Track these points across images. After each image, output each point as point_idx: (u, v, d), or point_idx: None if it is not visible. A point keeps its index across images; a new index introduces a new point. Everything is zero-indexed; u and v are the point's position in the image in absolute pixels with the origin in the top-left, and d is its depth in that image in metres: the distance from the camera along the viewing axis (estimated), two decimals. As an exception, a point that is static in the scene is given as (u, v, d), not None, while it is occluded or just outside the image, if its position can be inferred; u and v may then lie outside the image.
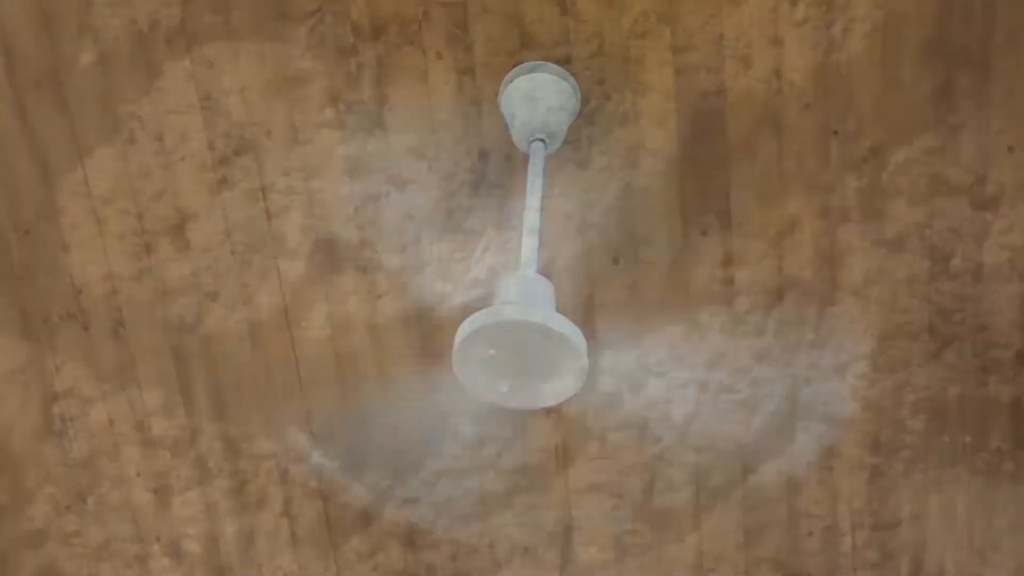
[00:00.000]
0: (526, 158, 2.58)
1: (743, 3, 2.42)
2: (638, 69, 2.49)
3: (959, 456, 2.87)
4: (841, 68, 2.47)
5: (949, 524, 2.93)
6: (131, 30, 2.53)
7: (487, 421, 2.88)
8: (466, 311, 2.75)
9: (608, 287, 2.71)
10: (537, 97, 2.43)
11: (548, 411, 2.86)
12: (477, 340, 2.05)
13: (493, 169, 2.61)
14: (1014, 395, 2.78)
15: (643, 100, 2.52)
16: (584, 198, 2.62)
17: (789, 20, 2.44)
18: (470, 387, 2.12)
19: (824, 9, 2.42)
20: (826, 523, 2.95)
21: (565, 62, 2.49)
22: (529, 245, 2.22)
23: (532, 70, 2.46)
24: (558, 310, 2.74)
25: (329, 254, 2.71)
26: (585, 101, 2.51)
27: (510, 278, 2.17)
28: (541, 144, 2.38)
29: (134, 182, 2.67)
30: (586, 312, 2.74)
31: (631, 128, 2.54)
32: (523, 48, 2.48)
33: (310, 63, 2.53)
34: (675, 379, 2.80)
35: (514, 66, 2.49)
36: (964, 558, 2.96)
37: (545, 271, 2.70)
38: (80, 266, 2.75)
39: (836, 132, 2.52)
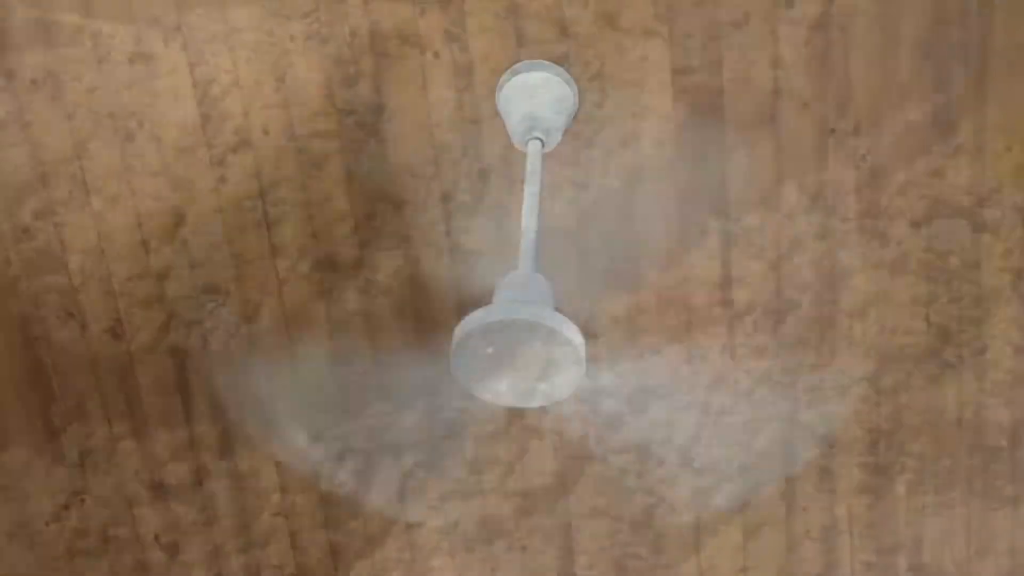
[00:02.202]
0: (523, 157, 2.59)
1: (741, 2, 2.43)
2: (636, 67, 2.49)
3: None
4: (839, 67, 2.47)
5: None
6: (128, 29, 2.53)
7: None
8: (464, 310, 2.75)
9: (605, 287, 2.71)
10: (535, 96, 2.43)
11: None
12: (475, 338, 2.05)
13: (491, 168, 2.61)
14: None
15: (641, 98, 2.52)
16: (581, 196, 2.62)
17: (787, 19, 2.44)
18: (468, 385, 2.12)
19: (821, 8, 2.42)
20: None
21: (562, 61, 2.49)
22: (527, 243, 2.22)
23: (529, 69, 2.46)
24: (556, 308, 2.74)
25: (328, 254, 2.72)
26: (582, 100, 2.52)
27: (508, 276, 2.17)
28: (539, 142, 2.38)
29: (132, 181, 2.67)
30: (584, 312, 2.74)
31: (629, 126, 2.55)
32: (520, 47, 2.48)
33: (308, 62, 2.54)
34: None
35: (511, 65, 2.50)
36: None
37: (543, 269, 2.70)
38: (78, 265, 2.76)
39: (834, 131, 2.52)
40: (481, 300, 2.74)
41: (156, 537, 3.06)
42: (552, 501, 2.96)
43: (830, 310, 2.69)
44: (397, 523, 3.02)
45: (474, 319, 2.03)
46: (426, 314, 2.77)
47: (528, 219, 2.24)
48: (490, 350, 2.06)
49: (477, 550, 3.04)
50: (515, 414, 2.88)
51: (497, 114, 2.55)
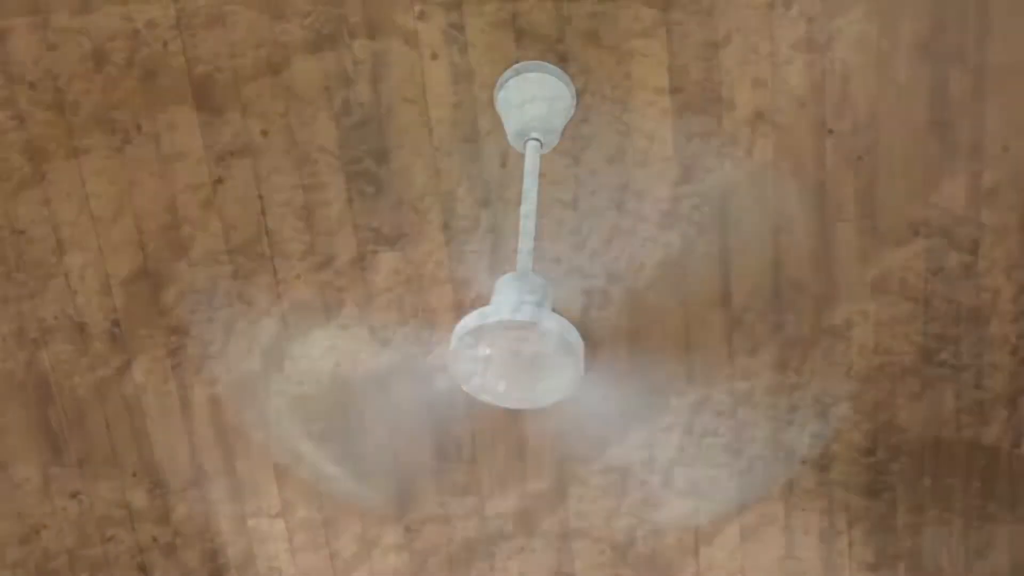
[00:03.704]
0: (522, 157, 2.59)
1: (738, 3, 2.43)
2: (634, 68, 2.49)
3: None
4: (836, 67, 2.47)
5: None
6: (127, 30, 2.53)
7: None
8: (462, 311, 2.75)
9: (603, 286, 2.71)
10: (533, 97, 2.44)
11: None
12: (474, 340, 2.05)
13: (488, 169, 2.61)
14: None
15: (638, 99, 2.52)
16: (579, 197, 2.63)
17: (785, 20, 2.44)
18: (467, 387, 2.12)
19: (819, 9, 2.42)
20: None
21: (560, 62, 2.49)
22: (525, 244, 2.22)
23: (528, 70, 2.46)
24: (554, 310, 2.74)
25: (325, 252, 2.72)
26: (580, 101, 2.52)
27: (507, 278, 2.17)
28: (536, 144, 2.39)
29: (130, 183, 2.67)
30: (581, 312, 2.74)
31: (626, 127, 2.55)
32: (519, 48, 2.48)
33: (306, 63, 2.54)
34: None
35: (510, 66, 2.50)
36: None
37: (541, 270, 2.70)
38: (76, 267, 2.75)
39: (831, 131, 2.52)
40: (479, 301, 2.74)
41: (154, 539, 3.06)
42: (551, 504, 2.96)
43: (834, 308, 2.69)
44: (394, 523, 3.02)
45: (472, 320, 2.03)
46: (424, 314, 2.77)
47: (526, 219, 2.24)
48: (488, 351, 2.06)
49: (475, 562, 3.04)
50: (510, 424, 2.88)
51: (496, 115, 2.55)
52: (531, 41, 2.48)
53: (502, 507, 2.97)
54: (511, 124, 2.43)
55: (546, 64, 2.47)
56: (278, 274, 2.74)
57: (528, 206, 2.26)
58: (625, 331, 2.73)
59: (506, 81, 2.47)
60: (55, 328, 2.82)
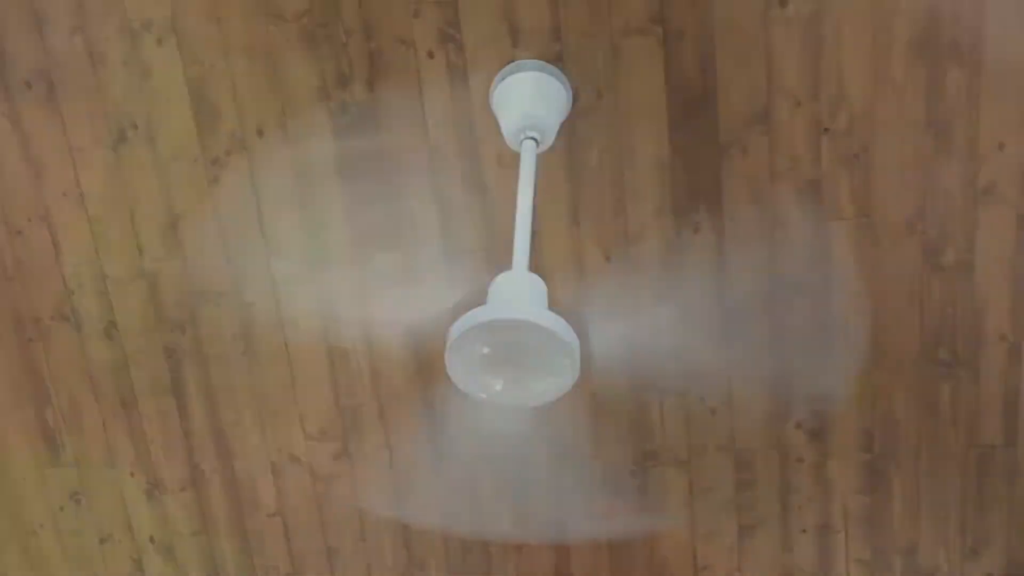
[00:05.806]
0: (518, 156, 2.59)
1: (735, 1, 2.43)
2: (629, 67, 2.49)
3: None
4: (832, 66, 2.47)
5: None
6: (123, 29, 2.53)
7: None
8: (459, 310, 2.75)
9: (601, 285, 2.71)
10: (528, 95, 2.43)
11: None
12: (470, 339, 2.04)
13: (485, 168, 2.61)
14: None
15: (634, 98, 2.52)
16: (576, 196, 2.62)
17: (780, 18, 2.44)
18: (463, 386, 2.12)
19: (815, 7, 2.42)
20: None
21: (556, 60, 2.49)
22: (521, 243, 2.21)
23: (523, 69, 2.46)
24: (550, 308, 2.74)
25: (321, 251, 2.71)
26: (576, 99, 2.52)
27: (503, 276, 2.17)
28: (532, 142, 2.38)
29: (126, 182, 2.67)
30: (578, 311, 2.74)
31: (622, 126, 2.55)
32: (515, 47, 2.48)
33: (302, 62, 2.53)
34: (665, 387, 2.80)
35: (505, 65, 2.50)
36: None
37: (537, 269, 2.70)
38: (72, 267, 2.75)
39: (827, 130, 2.52)
40: (476, 300, 2.74)
41: (151, 538, 3.06)
42: (545, 500, 2.96)
43: (824, 309, 2.69)
44: (392, 523, 3.02)
45: (468, 319, 2.03)
46: (421, 313, 2.76)
47: (522, 219, 2.24)
48: (485, 350, 2.05)
49: (473, 560, 3.04)
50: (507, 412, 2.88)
51: (491, 114, 2.55)
52: (527, 39, 2.48)
53: (499, 505, 2.97)
54: (507, 122, 2.43)
55: (541, 62, 2.47)
56: (274, 273, 2.74)
57: (524, 205, 2.26)
58: (621, 330, 2.72)
59: (502, 79, 2.47)
60: (52, 327, 2.82)
